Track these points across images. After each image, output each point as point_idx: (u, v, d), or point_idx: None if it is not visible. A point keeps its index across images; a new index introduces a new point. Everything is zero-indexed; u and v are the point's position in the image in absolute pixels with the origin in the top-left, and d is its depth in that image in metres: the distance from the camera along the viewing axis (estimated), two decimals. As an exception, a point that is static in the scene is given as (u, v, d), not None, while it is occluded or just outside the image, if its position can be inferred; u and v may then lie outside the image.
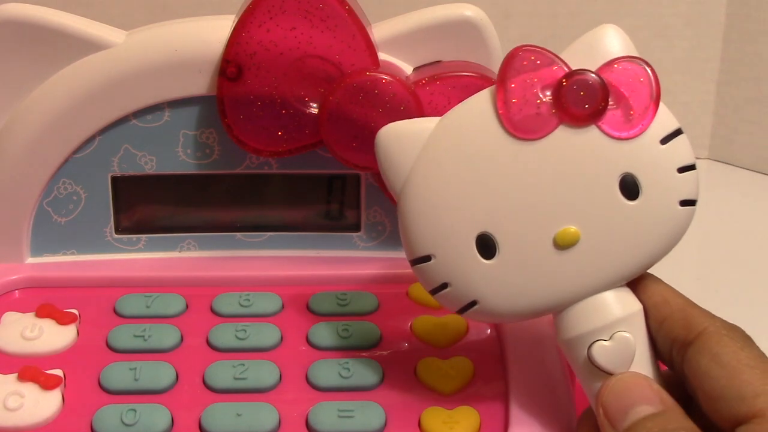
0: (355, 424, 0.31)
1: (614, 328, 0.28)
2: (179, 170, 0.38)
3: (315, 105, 0.35)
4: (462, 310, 0.29)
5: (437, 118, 0.29)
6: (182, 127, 0.37)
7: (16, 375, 0.32)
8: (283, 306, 0.36)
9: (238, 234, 0.39)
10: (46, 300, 0.35)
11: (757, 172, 0.74)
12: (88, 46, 0.36)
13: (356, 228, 0.39)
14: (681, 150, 0.28)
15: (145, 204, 0.39)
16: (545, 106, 0.28)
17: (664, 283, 0.29)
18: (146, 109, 0.36)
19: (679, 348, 0.27)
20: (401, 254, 0.39)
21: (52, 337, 0.34)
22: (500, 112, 0.28)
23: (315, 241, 0.39)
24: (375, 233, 0.39)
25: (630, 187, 0.28)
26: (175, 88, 0.36)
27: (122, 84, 0.36)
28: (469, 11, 0.36)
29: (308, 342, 0.34)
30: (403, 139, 0.29)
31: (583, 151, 0.28)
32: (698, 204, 0.28)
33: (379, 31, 0.36)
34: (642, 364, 0.28)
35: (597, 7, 0.73)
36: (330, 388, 0.32)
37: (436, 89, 0.35)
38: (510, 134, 0.28)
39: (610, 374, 0.27)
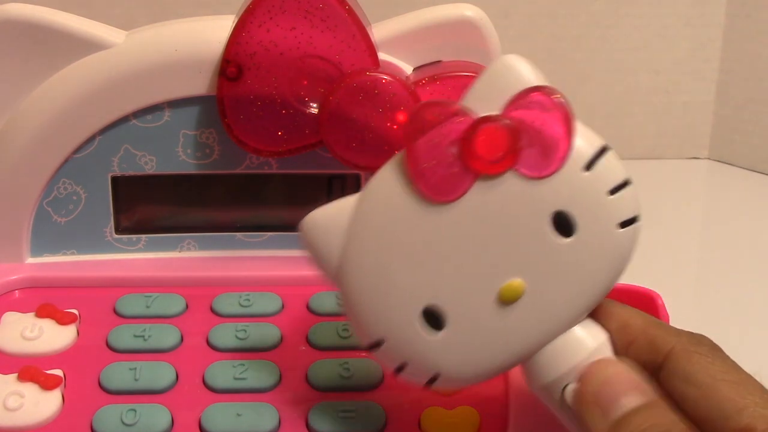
0: (355, 424, 0.31)
1: (582, 368, 0.27)
2: (179, 170, 0.38)
3: (315, 105, 0.35)
4: (428, 384, 0.28)
5: (356, 196, 0.28)
6: (182, 127, 0.37)
7: (16, 375, 0.32)
8: (283, 306, 0.36)
9: (238, 234, 0.39)
10: (46, 300, 0.36)
11: (757, 172, 0.74)
12: (88, 46, 0.36)
13: (356, 228, 0.39)
14: (609, 170, 0.26)
15: (145, 204, 0.39)
16: (457, 164, 0.26)
17: (622, 306, 0.28)
18: (146, 109, 0.36)
19: (651, 372, 0.26)
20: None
21: (52, 337, 0.34)
22: (414, 180, 0.27)
23: (315, 241, 0.39)
24: (375, 233, 0.39)
25: (564, 224, 0.27)
26: (175, 88, 0.36)
27: (122, 84, 0.36)
28: (469, 11, 0.36)
29: (308, 342, 0.34)
30: (325, 225, 0.28)
31: (507, 200, 0.26)
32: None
33: (379, 31, 0.36)
34: None
35: (597, 7, 0.73)
36: (330, 388, 0.32)
37: (436, 89, 0.35)
38: (429, 200, 0.27)
39: None
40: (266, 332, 0.34)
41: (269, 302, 0.36)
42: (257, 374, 0.32)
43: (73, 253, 0.38)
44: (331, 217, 0.28)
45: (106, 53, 0.36)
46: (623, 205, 0.26)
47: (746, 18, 0.74)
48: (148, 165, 0.37)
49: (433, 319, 0.27)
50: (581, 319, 0.27)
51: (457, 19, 0.36)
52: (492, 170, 0.26)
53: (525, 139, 0.26)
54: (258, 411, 0.31)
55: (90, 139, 0.37)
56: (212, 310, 0.36)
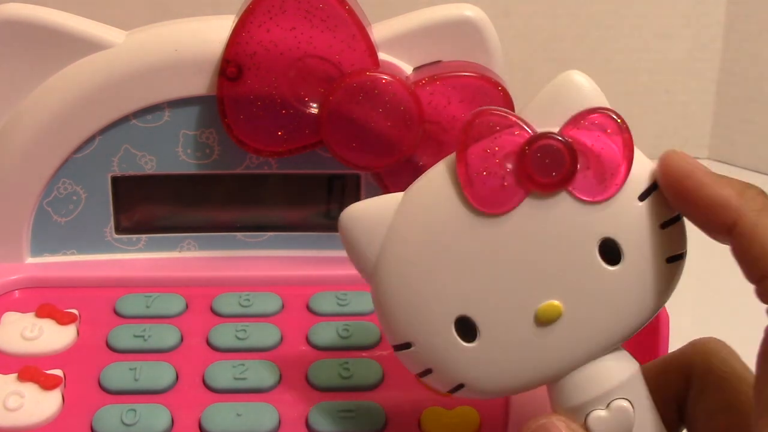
0: (355, 424, 0.31)
1: (610, 396, 0.26)
2: (179, 170, 0.38)
3: (315, 105, 0.35)
4: (451, 392, 0.27)
5: (400, 195, 0.28)
6: (182, 127, 0.37)
7: (16, 375, 0.32)
8: (283, 306, 0.36)
9: (238, 234, 0.39)
10: (46, 300, 0.35)
11: (757, 172, 0.74)
12: (88, 46, 0.36)
13: (356, 228, 0.39)
14: (662, 203, 0.26)
15: (145, 204, 0.39)
16: (509, 177, 0.26)
17: None
18: (146, 109, 0.36)
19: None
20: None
21: (52, 337, 0.34)
22: (463, 188, 0.26)
23: (315, 241, 0.39)
24: (375, 233, 0.39)
25: (611, 252, 0.26)
26: (175, 88, 0.36)
27: (122, 84, 0.36)
28: (469, 11, 0.36)
29: (308, 342, 0.34)
30: (367, 221, 0.28)
31: (556, 220, 0.26)
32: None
33: (379, 31, 0.36)
34: (645, 425, 0.27)
35: (597, 7, 0.73)
36: (330, 388, 0.32)
37: (436, 89, 0.35)
38: (476, 210, 0.26)
39: None
40: (266, 332, 0.34)
41: (269, 302, 0.36)
42: (257, 374, 0.32)
43: (73, 253, 0.38)
44: (373, 212, 0.28)
45: (106, 53, 0.36)
46: (673, 240, 0.26)
47: (746, 18, 0.74)
48: (148, 165, 0.37)
49: (466, 328, 0.27)
50: (615, 348, 0.27)
51: (457, 19, 0.36)
52: (545, 189, 0.26)
53: (583, 161, 0.26)
54: (258, 411, 0.31)
55: (90, 139, 0.37)
56: (212, 310, 0.36)
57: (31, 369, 0.32)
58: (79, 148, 0.37)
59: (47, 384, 0.31)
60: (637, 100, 0.76)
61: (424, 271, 0.27)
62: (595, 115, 0.26)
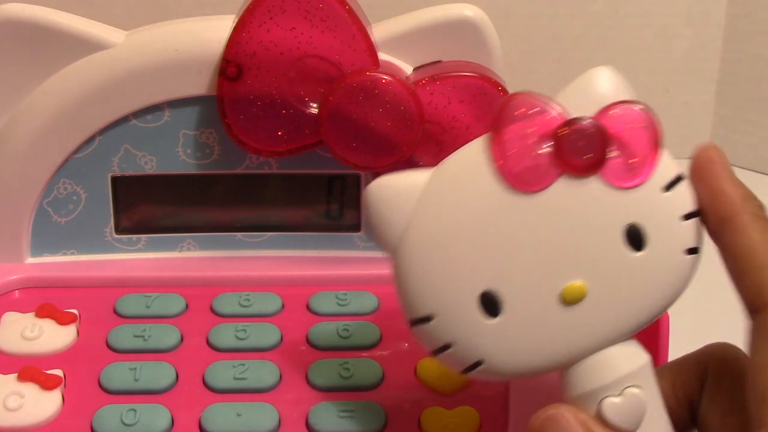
0: (355, 424, 0.31)
1: (624, 383, 0.27)
2: (179, 170, 0.38)
3: (315, 105, 0.35)
4: (467, 370, 0.27)
5: (430, 170, 0.28)
6: (182, 127, 0.37)
7: (16, 375, 0.32)
8: (283, 306, 0.36)
9: (238, 234, 0.39)
10: (46, 300, 0.35)
11: (757, 172, 0.74)
12: (88, 46, 0.36)
13: (356, 228, 0.39)
14: (684, 196, 0.27)
15: (145, 204, 0.39)
16: (544, 157, 0.27)
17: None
18: (146, 109, 0.36)
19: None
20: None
21: (52, 337, 0.34)
22: (497, 164, 0.27)
23: (315, 241, 0.39)
24: (375, 233, 0.39)
25: (636, 238, 0.27)
26: (175, 88, 0.36)
27: (122, 84, 0.36)
28: (469, 11, 0.36)
29: (308, 342, 0.34)
30: (396, 194, 0.28)
31: (586, 203, 0.27)
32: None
33: (379, 31, 0.36)
34: (654, 417, 0.27)
35: (597, 7, 0.73)
36: (330, 388, 0.32)
37: (436, 89, 0.35)
38: (509, 187, 0.27)
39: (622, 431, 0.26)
40: (266, 332, 0.34)
41: (269, 302, 0.36)
42: (257, 374, 0.32)
43: (73, 253, 0.38)
44: (402, 185, 0.28)
45: (106, 53, 0.36)
46: (692, 232, 0.27)
47: (746, 18, 0.74)
48: (148, 165, 0.37)
49: (490, 304, 0.27)
50: (628, 337, 0.27)
51: (457, 19, 0.36)
52: (578, 171, 0.27)
53: (614, 148, 0.27)
54: (258, 411, 0.31)
55: (90, 139, 0.37)
56: (212, 310, 0.36)
57: (31, 369, 0.32)
58: (79, 148, 0.37)
59: (47, 384, 0.31)
60: (637, 100, 0.76)
61: (452, 245, 0.27)
62: (627, 106, 0.27)
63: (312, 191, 0.39)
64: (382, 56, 0.36)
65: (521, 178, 0.27)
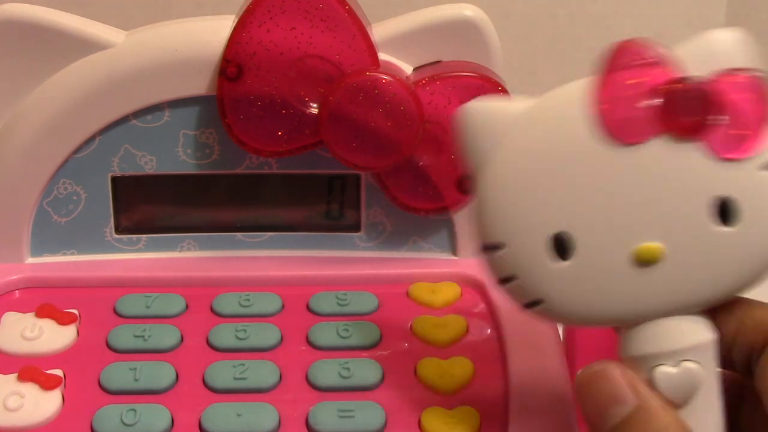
0: (355, 424, 0.31)
1: (682, 356, 0.26)
2: (179, 170, 0.38)
3: (315, 105, 0.35)
4: (526, 306, 0.27)
5: (528, 101, 0.27)
6: (182, 127, 0.37)
7: (16, 375, 0.32)
8: (283, 306, 0.36)
9: (238, 234, 0.39)
10: (46, 300, 0.35)
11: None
12: (88, 46, 0.36)
13: (356, 228, 0.39)
14: None
15: (145, 204, 0.39)
16: (649, 110, 0.25)
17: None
18: (146, 109, 0.36)
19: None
20: (401, 254, 0.39)
21: (52, 337, 0.34)
22: (599, 107, 0.26)
23: (315, 241, 0.39)
24: (375, 233, 0.39)
25: (728, 212, 0.26)
26: (175, 88, 0.36)
27: (122, 84, 0.36)
28: (469, 11, 0.36)
29: (308, 342, 0.34)
30: (489, 119, 0.27)
31: (682, 166, 0.26)
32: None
33: (379, 31, 0.36)
34: (708, 398, 0.26)
35: (597, 7, 0.73)
36: (330, 388, 0.32)
37: (436, 89, 0.35)
38: (605, 134, 0.26)
39: (671, 403, 0.26)
40: (266, 332, 0.34)
41: (269, 302, 0.36)
42: (257, 374, 0.32)
43: (73, 253, 0.38)
44: (498, 110, 0.27)
45: (106, 53, 0.36)
46: None
47: (746, 18, 0.74)
48: (148, 165, 0.37)
49: (561, 246, 0.26)
50: (699, 312, 0.27)
51: (457, 19, 0.36)
52: (680, 132, 0.26)
53: (724, 115, 0.25)
54: (258, 411, 0.31)
55: (90, 139, 0.37)
56: (212, 310, 0.36)
57: (31, 369, 0.32)
58: (79, 148, 0.37)
59: (47, 384, 0.31)
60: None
61: (535, 180, 0.27)
62: (747, 74, 0.26)
63: (312, 191, 0.39)
64: (382, 56, 0.36)
65: (621, 127, 0.26)
